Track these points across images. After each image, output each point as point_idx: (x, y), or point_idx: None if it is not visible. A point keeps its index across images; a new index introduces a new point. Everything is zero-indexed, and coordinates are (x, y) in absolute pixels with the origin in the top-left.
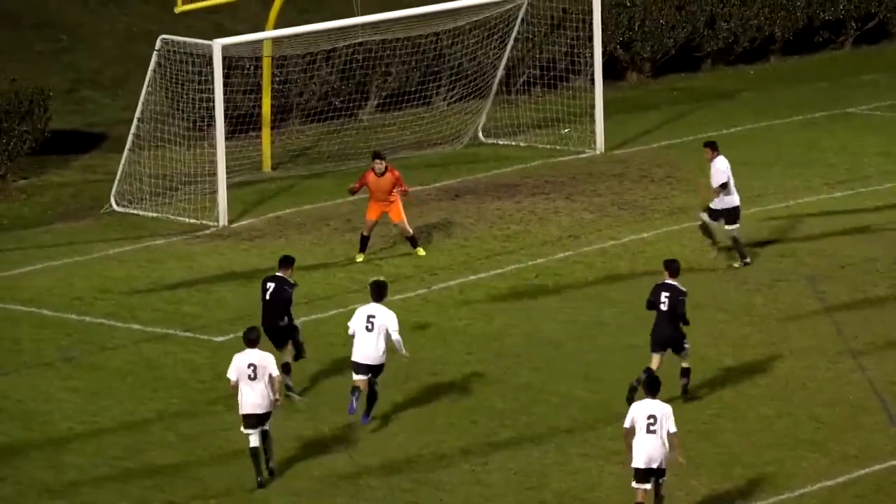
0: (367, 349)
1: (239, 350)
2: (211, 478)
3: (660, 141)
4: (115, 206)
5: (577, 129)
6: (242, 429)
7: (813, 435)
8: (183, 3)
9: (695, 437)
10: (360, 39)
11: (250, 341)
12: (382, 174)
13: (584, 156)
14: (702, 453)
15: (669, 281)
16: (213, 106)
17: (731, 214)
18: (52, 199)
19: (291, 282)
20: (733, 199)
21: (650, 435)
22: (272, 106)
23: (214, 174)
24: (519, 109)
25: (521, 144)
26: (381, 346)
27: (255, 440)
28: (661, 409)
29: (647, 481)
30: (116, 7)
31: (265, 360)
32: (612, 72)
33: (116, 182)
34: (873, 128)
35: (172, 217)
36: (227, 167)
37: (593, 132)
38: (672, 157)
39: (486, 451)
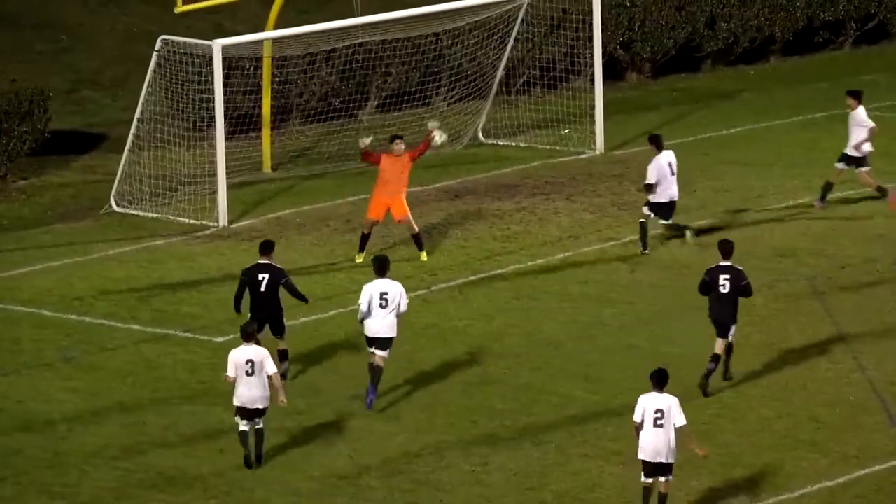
0: (382, 325)
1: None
2: (211, 478)
3: None
4: (115, 207)
5: (576, 129)
6: (236, 418)
7: (813, 435)
8: (183, 4)
9: (695, 438)
10: (360, 40)
11: (248, 335)
12: (400, 156)
13: (584, 156)
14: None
15: (726, 263)
16: (213, 106)
17: (664, 208)
18: (51, 200)
19: (280, 266)
20: (669, 194)
21: (657, 429)
22: (272, 106)
23: (214, 175)
24: (519, 110)
25: (521, 145)
26: (395, 319)
27: (245, 426)
28: (668, 403)
29: (655, 475)
30: (116, 7)
31: (261, 355)
32: (612, 72)
33: (116, 182)
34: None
35: (172, 217)
36: (227, 168)
37: (593, 133)
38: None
39: (486, 451)
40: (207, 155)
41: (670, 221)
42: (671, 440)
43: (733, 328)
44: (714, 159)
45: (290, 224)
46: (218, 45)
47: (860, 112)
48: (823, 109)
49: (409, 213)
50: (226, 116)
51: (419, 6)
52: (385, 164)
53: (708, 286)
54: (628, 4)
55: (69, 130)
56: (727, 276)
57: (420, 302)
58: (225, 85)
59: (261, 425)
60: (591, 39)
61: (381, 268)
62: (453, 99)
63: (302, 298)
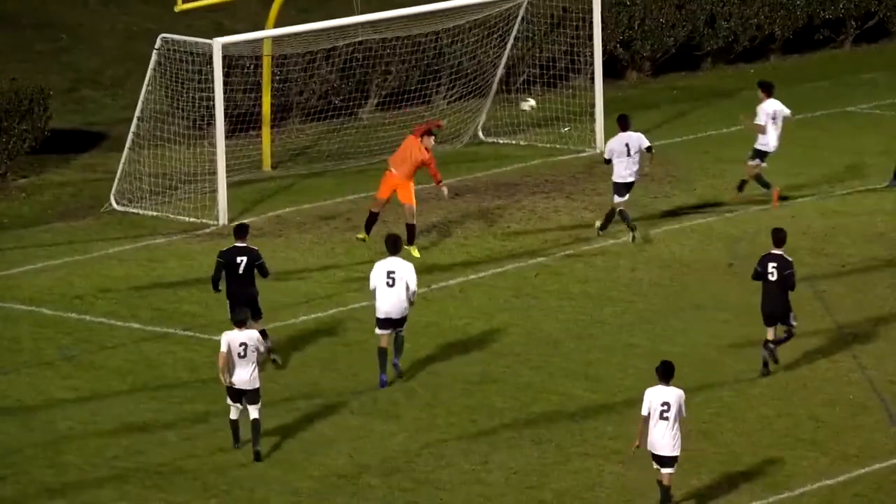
0: (390, 304)
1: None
2: (211, 477)
3: (660, 140)
4: (115, 205)
5: (577, 127)
6: (228, 401)
7: (813, 434)
8: (183, 2)
9: (695, 437)
10: (360, 38)
11: (239, 323)
12: (425, 148)
13: (584, 155)
14: (702, 453)
15: (776, 251)
16: (213, 105)
17: (618, 188)
18: (51, 198)
19: (254, 248)
20: (622, 175)
21: (663, 421)
22: (272, 105)
23: (214, 173)
24: (519, 108)
25: (521, 143)
26: (403, 298)
27: (234, 413)
28: (674, 396)
29: (660, 466)
30: (116, 6)
31: (254, 337)
32: (612, 71)
33: (116, 181)
34: (873, 127)
35: (172, 216)
36: (227, 166)
37: (593, 131)
38: (672, 157)
39: (485, 449)
40: (207, 153)
41: (623, 199)
42: (677, 432)
43: (791, 315)
44: (714, 158)
45: (290, 222)
46: (218, 43)
47: (763, 106)
48: (823, 108)
49: (413, 203)
50: (226, 115)
51: (419, 4)
52: (407, 145)
53: (759, 274)
54: (628, 3)
55: (69, 129)
56: (775, 265)
57: (420, 300)
58: (225, 83)
59: (256, 415)
60: (591, 38)
61: (393, 247)
62: (453, 97)
63: (266, 274)
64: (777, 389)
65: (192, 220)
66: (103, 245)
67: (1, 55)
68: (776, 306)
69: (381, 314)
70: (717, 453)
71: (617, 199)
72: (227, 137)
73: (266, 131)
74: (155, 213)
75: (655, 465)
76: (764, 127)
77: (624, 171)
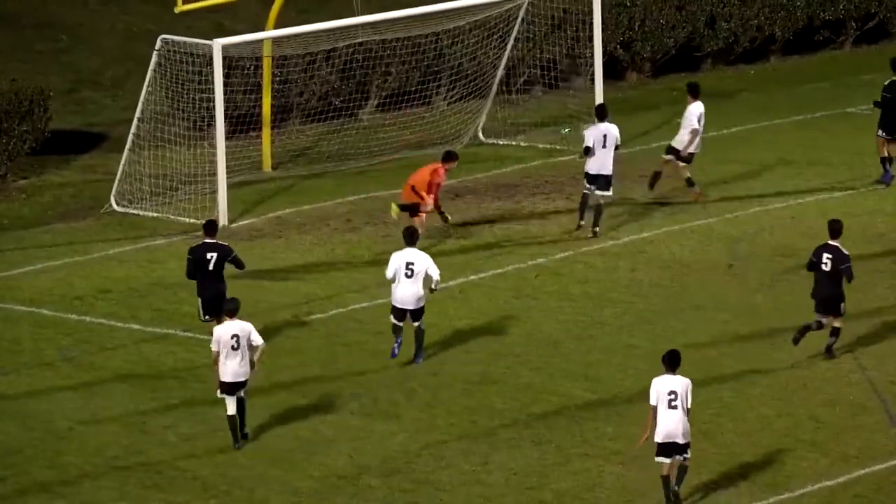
0: (407, 295)
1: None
2: (211, 478)
3: (660, 141)
4: (115, 206)
5: (577, 129)
6: (219, 393)
7: (813, 435)
8: (183, 3)
9: (695, 437)
10: (360, 39)
11: (230, 311)
12: (439, 172)
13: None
14: (702, 453)
15: (832, 242)
16: (213, 106)
17: (595, 180)
18: (52, 199)
19: (224, 243)
20: (594, 166)
21: (671, 410)
22: (272, 106)
23: (214, 174)
24: (519, 109)
25: (521, 144)
26: (420, 289)
27: (232, 408)
28: (681, 385)
29: (670, 455)
30: (116, 7)
31: (246, 329)
32: (613, 72)
33: (116, 182)
34: (873, 128)
35: (172, 217)
36: (227, 167)
37: None
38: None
39: (486, 450)
40: (207, 154)
41: (589, 188)
42: (685, 421)
43: (842, 306)
44: (714, 159)
45: (290, 223)
46: (218, 44)
47: (691, 109)
48: (823, 109)
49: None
50: (226, 116)
51: (419, 6)
52: (428, 171)
53: (813, 265)
54: (628, 4)
55: (69, 130)
56: (829, 255)
57: None
58: (225, 84)
59: (242, 395)
60: (591, 39)
61: (410, 238)
62: (453, 98)
63: (243, 266)
64: (777, 389)
65: (192, 221)
66: (103, 246)
67: (1, 55)
68: (828, 296)
69: (397, 303)
70: (717, 453)
71: (598, 192)
72: (227, 138)
73: (266, 132)
74: (155, 214)
75: (659, 458)
76: (698, 130)
77: (598, 161)
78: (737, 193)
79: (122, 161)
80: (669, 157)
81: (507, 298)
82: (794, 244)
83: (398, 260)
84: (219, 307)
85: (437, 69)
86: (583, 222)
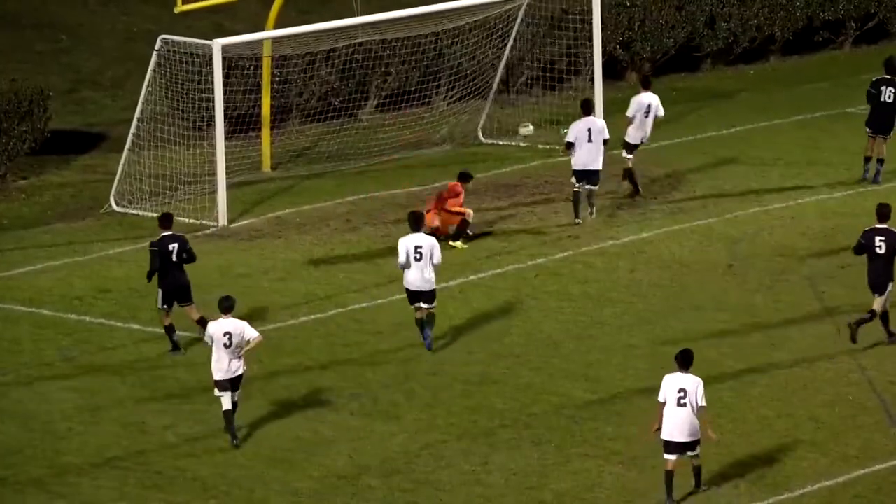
0: (418, 278)
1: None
2: (210, 478)
3: (659, 141)
4: (114, 206)
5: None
6: (216, 391)
7: (813, 435)
8: (183, 3)
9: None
10: (359, 39)
11: (226, 309)
12: (458, 189)
13: None
14: (702, 453)
15: (881, 226)
16: (213, 106)
17: (582, 175)
18: (51, 199)
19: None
20: (580, 161)
21: (680, 408)
22: (272, 106)
23: (214, 174)
24: (519, 109)
25: (521, 144)
26: (431, 271)
27: (227, 402)
28: (691, 383)
29: (676, 453)
30: (116, 7)
31: (240, 327)
32: (612, 72)
33: (116, 182)
34: None
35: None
36: (227, 167)
37: None
38: (671, 157)
39: (485, 450)
40: (207, 154)
41: (579, 184)
42: (694, 419)
43: (889, 286)
44: (713, 159)
45: (289, 224)
46: (218, 44)
47: (639, 98)
48: (823, 109)
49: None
50: (225, 116)
51: (419, 6)
52: (452, 190)
53: (863, 248)
54: (628, 4)
55: (69, 130)
56: (882, 238)
57: None
58: (225, 84)
59: (234, 398)
60: (590, 39)
61: (415, 222)
62: (453, 98)
63: (195, 258)
64: (777, 390)
65: (191, 221)
66: (103, 246)
67: (1, 55)
68: (883, 276)
69: (410, 286)
70: (717, 453)
71: (578, 184)
72: (226, 138)
73: (266, 132)
74: (155, 214)
75: (667, 455)
76: (632, 119)
77: (584, 157)
78: (736, 193)
79: (122, 161)
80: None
81: (506, 298)
82: (793, 244)
83: (406, 244)
84: (180, 297)
85: (436, 69)
86: (578, 220)
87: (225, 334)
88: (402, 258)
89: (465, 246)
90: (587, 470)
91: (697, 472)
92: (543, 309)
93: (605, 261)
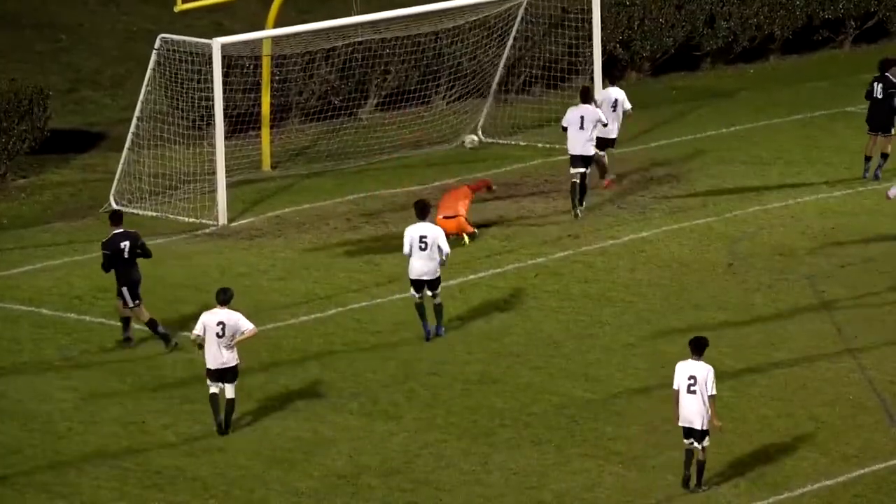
0: (423, 266)
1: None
2: (210, 478)
3: (659, 140)
4: (114, 206)
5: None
6: (208, 381)
7: (813, 435)
8: (182, 3)
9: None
10: (359, 38)
11: (223, 301)
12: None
13: None
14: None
15: None
16: (213, 105)
17: (582, 161)
18: (51, 199)
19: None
20: (572, 147)
21: (690, 395)
22: (271, 105)
23: (214, 173)
24: (518, 108)
25: (521, 144)
26: (436, 260)
27: (215, 388)
28: (701, 371)
29: (690, 438)
30: (116, 7)
31: (234, 318)
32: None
33: (116, 181)
34: None
35: (172, 216)
36: (227, 166)
37: None
38: (671, 156)
39: (485, 450)
40: (207, 153)
41: (578, 171)
42: (704, 406)
43: None
44: (713, 158)
45: (289, 223)
46: (217, 43)
47: (602, 93)
48: (823, 108)
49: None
50: (225, 115)
51: (419, 5)
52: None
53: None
54: (628, 3)
55: (69, 129)
56: None
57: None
58: (224, 83)
59: (231, 395)
60: (590, 38)
61: (421, 212)
62: (453, 97)
63: (150, 254)
64: (777, 390)
65: (191, 220)
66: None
67: (1, 55)
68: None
69: (414, 275)
70: (717, 453)
71: (573, 170)
72: (226, 137)
73: (265, 131)
74: (154, 214)
75: (686, 440)
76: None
77: (576, 142)
78: (736, 193)
79: (122, 160)
80: (601, 152)
81: (506, 298)
82: (793, 243)
83: (412, 234)
84: (136, 293)
85: (436, 68)
86: (577, 211)
87: (218, 324)
88: (406, 248)
89: (469, 240)
90: (587, 470)
91: (700, 468)
92: (543, 308)
93: (605, 260)
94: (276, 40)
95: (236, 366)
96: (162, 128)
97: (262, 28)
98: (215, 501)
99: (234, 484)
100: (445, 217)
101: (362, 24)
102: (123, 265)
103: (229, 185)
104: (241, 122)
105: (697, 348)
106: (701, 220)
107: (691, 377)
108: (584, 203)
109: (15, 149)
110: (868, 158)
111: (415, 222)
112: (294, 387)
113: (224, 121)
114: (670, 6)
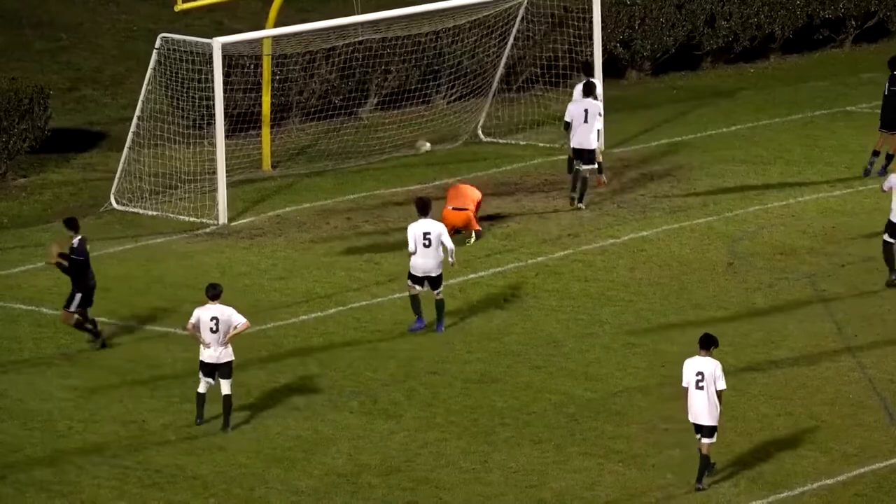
0: (426, 263)
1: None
2: (210, 477)
3: (659, 139)
4: (114, 205)
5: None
6: (200, 375)
7: (813, 433)
8: (183, 2)
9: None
10: (359, 38)
11: (213, 296)
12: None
13: None
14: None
15: None
16: (213, 104)
17: (577, 154)
18: (51, 198)
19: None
20: (575, 140)
21: (698, 391)
22: (272, 104)
23: (214, 172)
24: (519, 108)
25: (521, 143)
26: (439, 257)
27: (203, 387)
28: (709, 367)
29: (703, 435)
30: (116, 6)
31: (227, 312)
32: (613, 70)
33: (116, 180)
34: (873, 127)
35: (172, 215)
36: (227, 165)
37: None
38: (672, 156)
39: (485, 449)
40: (207, 153)
41: (588, 167)
42: (712, 402)
43: None
44: (714, 157)
45: (290, 222)
46: (218, 43)
47: (577, 87)
48: (823, 108)
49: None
50: (225, 114)
51: (419, 4)
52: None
53: None
54: (628, 2)
55: (69, 128)
56: None
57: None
58: (225, 83)
59: (227, 391)
60: (591, 37)
61: (423, 208)
62: (453, 97)
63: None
64: (777, 388)
65: (191, 219)
66: (103, 244)
67: (1, 54)
68: None
69: (417, 272)
70: (717, 452)
71: (584, 166)
72: (226, 137)
73: (266, 131)
74: (155, 213)
75: (697, 436)
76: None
77: (579, 136)
78: (736, 192)
79: (122, 159)
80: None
81: (507, 297)
82: (793, 243)
83: (415, 230)
84: (91, 299)
85: (436, 68)
86: (576, 205)
87: (212, 319)
88: (410, 246)
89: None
90: (587, 468)
91: (703, 465)
92: (543, 308)
93: (605, 259)
94: (276, 40)
95: (230, 362)
96: (162, 127)
97: (262, 27)
98: (215, 500)
99: (234, 482)
100: (455, 208)
101: (363, 24)
102: (88, 269)
103: (230, 185)
104: (242, 122)
105: (706, 344)
106: (701, 220)
107: (699, 373)
108: (584, 202)
109: (15, 148)
110: (876, 153)
111: (416, 220)
112: (294, 385)
113: (224, 120)
114: (671, 6)
